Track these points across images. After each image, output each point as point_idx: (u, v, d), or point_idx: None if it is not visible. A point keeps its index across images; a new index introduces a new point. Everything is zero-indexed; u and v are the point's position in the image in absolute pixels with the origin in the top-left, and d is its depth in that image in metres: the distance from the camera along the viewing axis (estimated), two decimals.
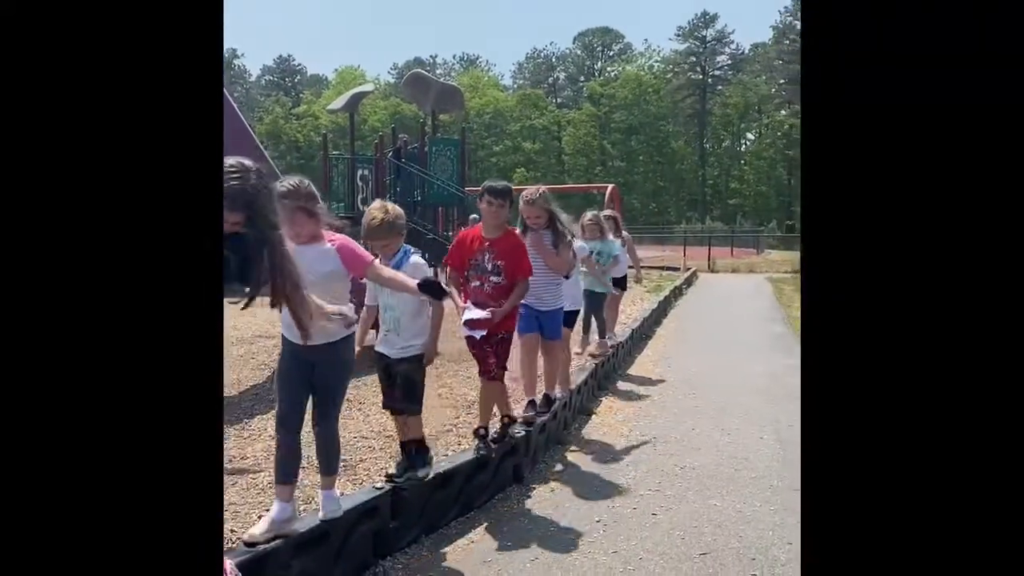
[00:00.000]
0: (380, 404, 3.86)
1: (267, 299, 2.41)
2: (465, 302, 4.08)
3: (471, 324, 3.94)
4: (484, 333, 3.97)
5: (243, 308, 2.38)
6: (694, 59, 67.79)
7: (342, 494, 3.27)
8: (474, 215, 4.71)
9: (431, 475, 3.55)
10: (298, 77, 77.79)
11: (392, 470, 3.57)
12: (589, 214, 7.04)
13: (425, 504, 3.57)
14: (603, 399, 6.33)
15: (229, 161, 2.13)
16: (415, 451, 3.57)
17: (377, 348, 3.64)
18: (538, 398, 4.77)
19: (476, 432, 4.13)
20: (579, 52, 73.52)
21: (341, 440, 3.26)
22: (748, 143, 67.73)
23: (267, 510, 3.19)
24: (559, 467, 4.61)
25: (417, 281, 3.04)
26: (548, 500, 4.07)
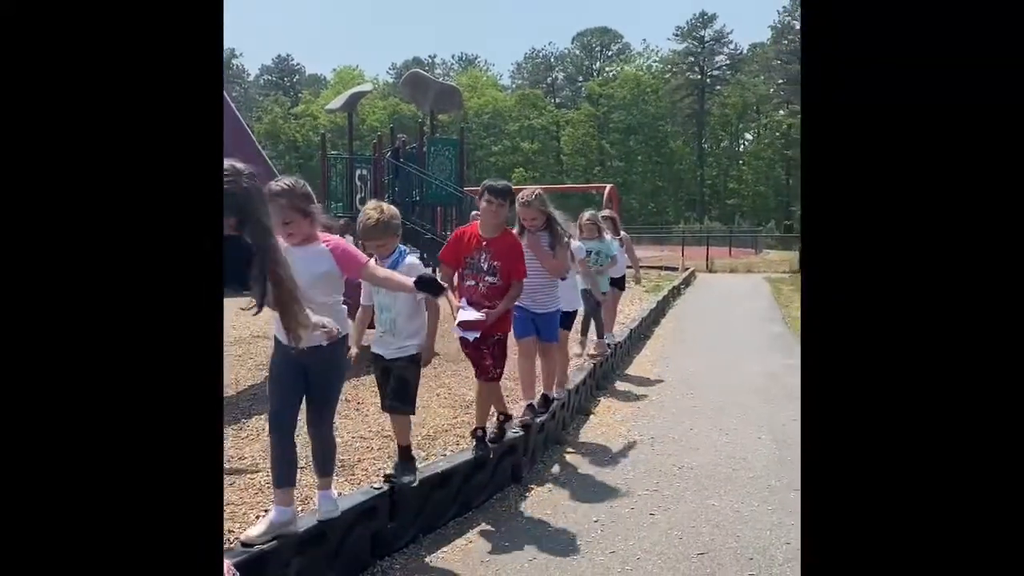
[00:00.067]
0: (379, 405, 3.86)
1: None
2: (459, 301, 4.06)
3: (465, 326, 3.93)
4: (478, 335, 3.95)
5: (255, 314, 2.39)
6: (692, 59, 67.84)
7: (340, 495, 3.26)
8: (475, 212, 4.70)
9: (416, 482, 3.47)
10: (296, 77, 77.76)
11: (390, 470, 3.57)
12: (587, 214, 7.03)
13: (423, 504, 3.56)
14: (601, 399, 6.33)
15: None
16: (402, 457, 3.55)
17: (373, 349, 3.63)
18: (536, 400, 4.76)
19: (474, 433, 4.12)
20: (578, 52, 73.57)
21: (339, 441, 3.26)
22: (746, 143, 67.85)
23: (265, 510, 3.19)
24: (557, 467, 4.61)
25: (413, 279, 3.04)
26: (546, 500, 4.07)
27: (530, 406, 4.59)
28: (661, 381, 7.10)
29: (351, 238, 5.83)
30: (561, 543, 3.50)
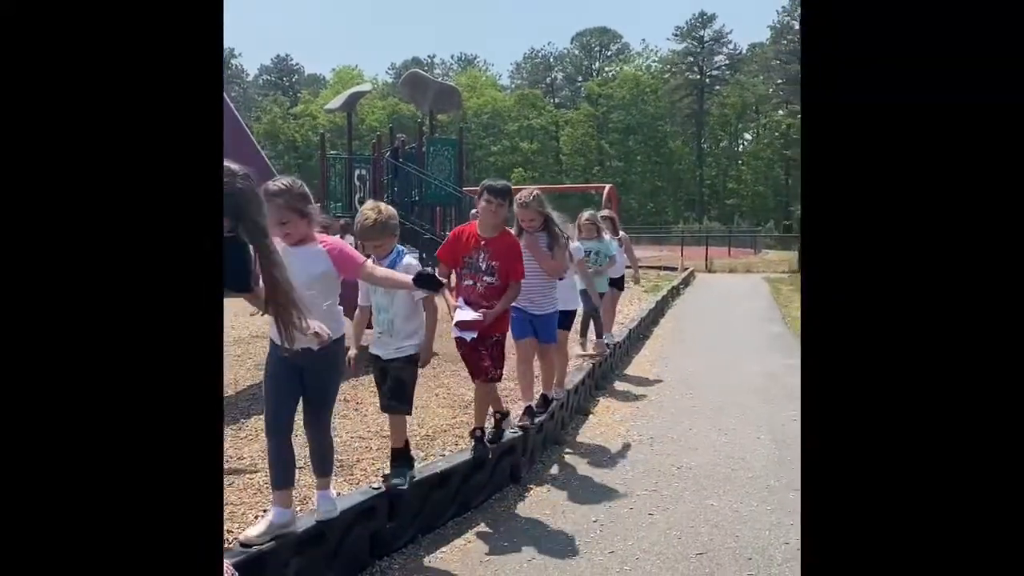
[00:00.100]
0: (378, 405, 3.85)
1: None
2: (456, 300, 4.05)
3: (462, 326, 3.92)
4: (475, 335, 3.94)
5: (263, 315, 2.38)
6: (692, 59, 67.87)
7: (339, 495, 3.26)
8: (475, 211, 4.69)
9: (406, 485, 3.44)
10: (296, 77, 77.75)
11: (389, 471, 3.56)
12: (586, 214, 7.04)
13: (422, 505, 3.56)
14: (600, 399, 6.33)
15: None
16: (394, 460, 3.53)
17: (371, 350, 3.63)
18: (535, 401, 4.75)
19: (472, 433, 4.12)
20: (577, 52, 73.60)
21: (338, 441, 3.25)
22: (745, 143, 67.89)
23: (264, 510, 3.18)
24: (556, 467, 4.61)
25: (411, 276, 3.03)
26: (545, 500, 4.07)
27: (528, 408, 4.57)
28: (660, 381, 7.10)
29: (351, 238, 5.82)
30: (560, 543, 3.49)
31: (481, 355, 4.01)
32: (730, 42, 68.33)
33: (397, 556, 3.35)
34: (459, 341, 4.02)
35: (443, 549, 3.45)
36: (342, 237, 6.08)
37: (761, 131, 64.28)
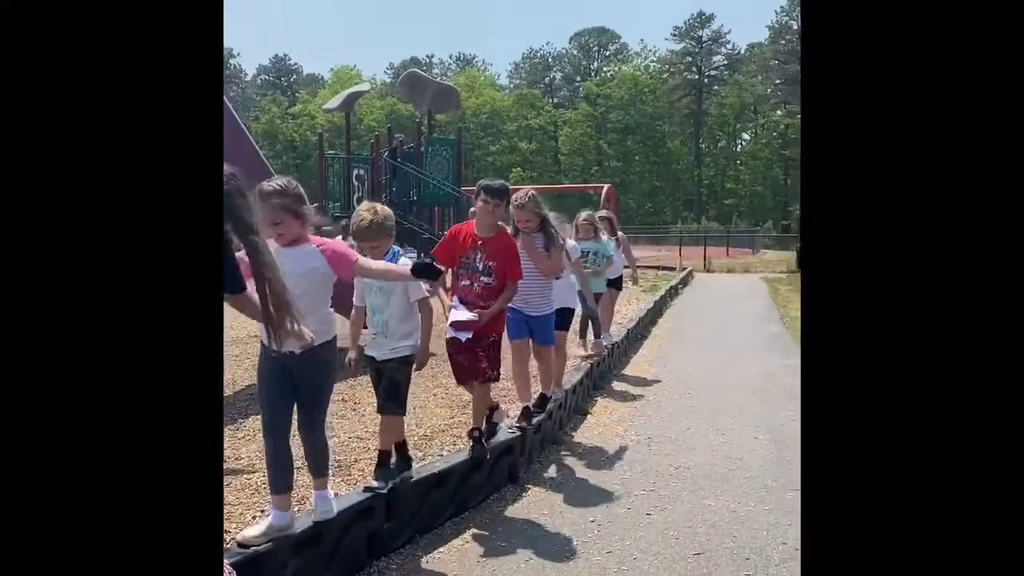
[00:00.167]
0: (375, 406, 3.85)
1: None
2: (451, 300, 4.04)
3: (457, 326, 3.91)
4: (470, 335, 3.93)
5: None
6: (690, 59, 67.91)
7: (336, 495, 3.25)
8: (473, 210, 4.69)
9: (386, 489, 3.40)
10: (294, 76, 77.72)
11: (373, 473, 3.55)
12: (583, 214, 7.03)
13: (419, 505, 3.56)
14: (598, 399, 6.33)
15: None
16: (394, 457, 3.52)
17: (367, 351, 3.63)
18: (533, 401, 4.74)
19: (470, 433, 4.11)
20: (575, 52, 73.61)
21: (336, 441, 3.24)
22: (744, 143, 67.93)
23: (262, 511, 3.18)
24: (554, 468, 4.61)
25: (409, 267, 3.02)
26: (543, 500, 4.06)
27: (525, 409, 4.56)
28: (658, 381, 7.10)
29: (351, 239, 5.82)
30: (558, 543, 3.49)
31: (478, 356, 4.00)
32: (728, 42, 68.51)
33: (395, 556, 3.34)
34: (452, 341, 4.01)
35: (441, 549, 3.44)
36: (344, 238, 6.09)
37: (759, 131, 64.34)
